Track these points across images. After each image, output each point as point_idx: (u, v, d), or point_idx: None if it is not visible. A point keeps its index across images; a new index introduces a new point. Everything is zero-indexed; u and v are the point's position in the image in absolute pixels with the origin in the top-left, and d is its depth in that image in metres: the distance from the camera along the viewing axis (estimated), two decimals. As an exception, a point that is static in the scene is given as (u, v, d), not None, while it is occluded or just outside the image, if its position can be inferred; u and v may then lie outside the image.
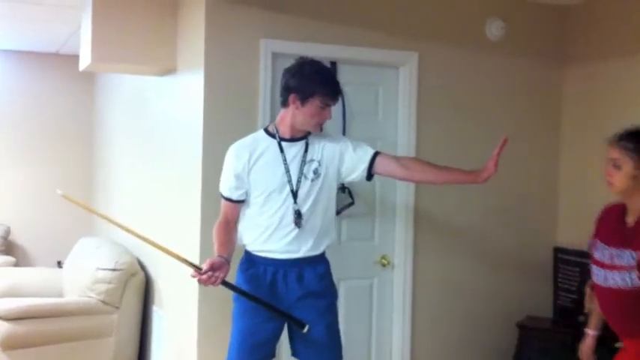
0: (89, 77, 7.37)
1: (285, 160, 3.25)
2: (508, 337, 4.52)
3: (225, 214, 3.31)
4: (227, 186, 3.30)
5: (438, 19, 4.43)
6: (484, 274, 4.58)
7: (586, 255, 4.44)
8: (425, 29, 4.40)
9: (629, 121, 4.29)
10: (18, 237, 7.60)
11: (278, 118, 3.33)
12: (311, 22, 4.10)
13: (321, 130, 3.35)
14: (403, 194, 4.33)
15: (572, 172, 4.71)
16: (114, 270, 4.98)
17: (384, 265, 4.36)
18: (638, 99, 4.29)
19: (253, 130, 3.90)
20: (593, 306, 3.34)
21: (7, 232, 7.41)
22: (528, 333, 4.45)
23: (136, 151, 5.70)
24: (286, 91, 3.25)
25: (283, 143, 3.27)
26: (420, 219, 4.38)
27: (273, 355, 3.38)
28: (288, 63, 3.36)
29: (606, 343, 3.66)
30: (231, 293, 3.29)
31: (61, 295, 5.54)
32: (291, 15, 4.06)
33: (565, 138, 4.76)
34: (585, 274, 4.44)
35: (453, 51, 4.47)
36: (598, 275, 3.07)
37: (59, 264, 6.79)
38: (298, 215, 3.22)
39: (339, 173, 3.34)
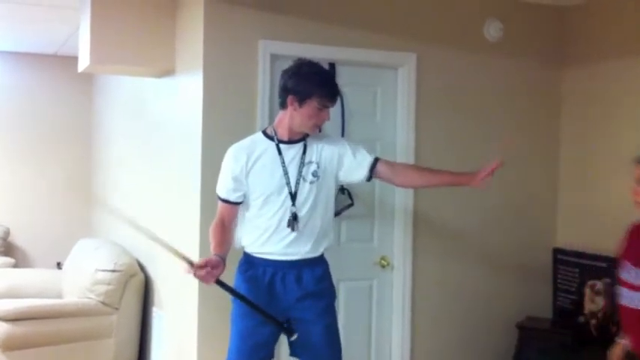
0: (88, 78, 7.37)
1: (283, 162, 3.24)
2: (508, 338, 4.52)
3: (221, 215, 3.30)
4: (225, 188, 3.29)
5: (436, 21, 4.43)
6: (483, 275, 4.58)
7: (585, 256, 4.47)
8: (423, 30, 4.40)
9: (629, 121, 4.33)
10: (17, 238, 7.59)
11: (276, 120, 3.33)
12: (309, 24, 4.10)
13: (320, 131, 3.35)
14: (402, 196, 4.33)
15: (571, 172, 4.71)
16: (113, 271, 4.97)
17: (383, 267, 4.36)
18: (638, 99, 4.29)
19: (252, 131, 3.90)
20: None
21: (7, 233, 7.40)
22: (528, 334, 4.46)
23: (134, 152, 5.70)
24: (284, 93, 3.25)
25: (281, 145, 3.26)
26: (420, 220, 4.38)
27: (272, 356, 3.38)
28: (287, 64, 3.36)
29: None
30: (230, 294, 3.30)
31: (60, 296, 5.54)
32: (290, 16, 4.06)
33: (564, 138, 4.76)
34: (584, 274, 4.44)
35: (452, 52, 4.47)
36: (625, 296, 2.99)
37: (58, 265, 6.79)
38: (294, 218, 3.22)
39: (337, 176, 3.35)
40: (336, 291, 3.53)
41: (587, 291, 4.43)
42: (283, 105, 3.27)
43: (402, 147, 4.33)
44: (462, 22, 4.50)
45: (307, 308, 3.29)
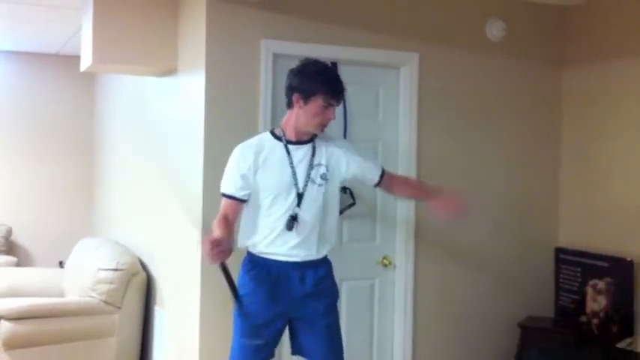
0: (90, 78, 7.38)
1: (291, 162, 3.24)
2: (509, 338, 4.52)
3: (224, 213, 3.25)
4: (231, 184, 3.26)
5: (438, 20, 4.43)
6: (485, 275, 4.58)
7: (587, 255, 4.47)
8: (425, 30, 4.40)
9: (631, 121, 4.33)
10: (19, 237, 7.60)
11: (283, 120, 3.33)
12: (312, 23, 4.10)
13: (323, 130, 3.33)
14: (404, 195, 4.33)
15: (573, 172, 4.71)
16: (115, 270, 4.98)
17: (385, 266, 4.37)
18: (638, 99, 4.29)
19: (254, 130, 3.91)
20: None
21: (9, 232, 7.42)
22: (529, 333, 4.46)
23: (136, 151, 5.70)
24: (290, 91, 3.27)
25: (290, 146, 3.26)
26: (422, 220, 4.38)
27: (273, 356, 3.38)
28: (289, 63, 3.36)
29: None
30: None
31: (62, 295, 5.55)
32: (292, 16, 4.06)
33: (566, 138, 4.76)
34: (586, 274, 4.45)
35: (454, 52, 4.47)
36: None
37: (61, 264, 6.80)
38: (294, 218, 3.21)
39: (342, 180, 3.37)
40: (339, 290, 3.54)
41: (589, 290, 4.43)
42: (289, 104, 3.27)
43: (404, 147, 4.33)
44: (464, 21, 4.50)
45: (310, 308, 3.30)
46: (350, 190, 4.03)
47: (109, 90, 6.88)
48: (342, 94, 3.29)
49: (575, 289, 4.52)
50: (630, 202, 4.32)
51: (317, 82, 3.20)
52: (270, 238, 3.24)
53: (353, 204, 4.08)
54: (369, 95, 4.31)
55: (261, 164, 3.23)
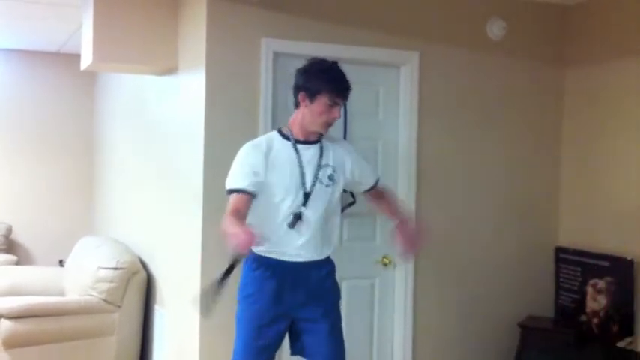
0: (90, 77, 7.38)
1: (300, 162, 3.24)
2: (509, 337, 4.52)
3: (235, 208, 3.13)
4: (243, 179, 3.18)
5: (439, 19, 4.43)
6: (485, 274, 4.58)
7: (587, 254, 4.47)
8: (426, 29, 4.39)
9: (632, 120, 4.32)
10: (20, 236, 7.61)
11: (291, 120, 3.33)
12: (312, 22, 4.10)
13: (329, 129, 3.32)
14: (404, 193, 4.32)
15: (573, 171, 4.70)
16: (115, 269, 4.98)
17: (385, 265, 4.36)
18: (639, 99, 4.29)
19: (254, 129, 3.92)
20: None
21: (9, 230, 7.42)
22: (529, 332, 4.46)
23: (136, 150, 5.71)
24: (296, 90, 3.28)
25: (298, 145, 3.27)
26: (422, 218, 4.38)
27: (273, 358, 3.38)
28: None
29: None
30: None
31: (62, 294, 5.55)
32: (293, 14, 4.06)
33: (566, 137, 4.75)
34: (586, 273, 4.45)
35: (455, 51, 4.46)
36: None
37: (61, 263, 6.80)
38: (298, 217, 3.21)
39: (345, 181, 3.39)
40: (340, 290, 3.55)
41: (589, 290, 4.43)
42: (296, 104, 3.28)
43: (405, 146, 4.33)
44: (464, 20, 4.49)
45: (314, 307, 3.30)
46: (351, 189, 4.04)
47: (109, 89, 6.88)
48: (348, 93, 3.29)
49: (575, 288, 4.51)
50: (630, 202, 4.32)
51: (322, 81, 3.21)
52: (277, 236, 3.22)
53: (353, 202, 4.08)
54: (369, 94, 4.31)
55: (270, 163, 3.22)
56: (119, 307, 4.99)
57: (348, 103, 4.10)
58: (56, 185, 7.66)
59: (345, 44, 4.13)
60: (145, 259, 5.22)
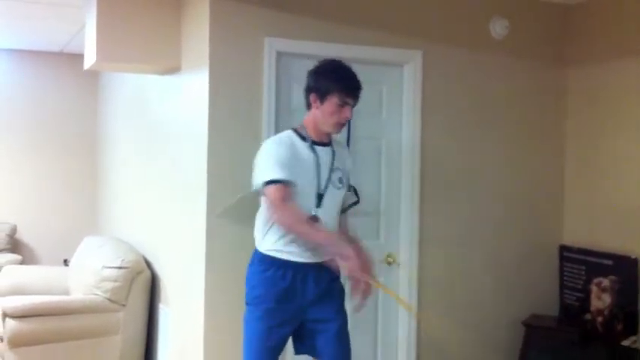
0: (93, 76, 7.39)
1: (317, 162, 3.24)
2: (513, 336, 4.52)
3: (282, 198, 3.08)
4: (281, 170, 3.13)
5: (442, 18, 4.43)
6: (489, 273, 4.58)
7: (591, 253, 4.46)
8: (429, 28, 4.39)
9: (634, 120, 4.32)
10: (24, 235, 7.63)
11: (304, 121, 3.33)
12: (315, 21, 4.09)
13: (340, 129, 3.33)
14: (408, 192, 4.33)
15: (577, 170, 4.70)
16: (120, 268, 4.98)
17: (389, 264, 4.36)
18: (642, 97, 4.29)
19: (257, 128, 3.92)
20: None
21: (14, 230, 7.44)
22: (534, 331, 4.46)
23: (140, 149, 5.71)
24: (307, 92, 3.29)
25: (315, 146, 3.27)
26: (425, 217, 4.38)
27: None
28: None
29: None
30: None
31: (67, 293, 5.56)
32: (296, 14, 4.06)
33: (570, 136, 4.75)
34: (590, 272, 4.44)
35: (458, 50, 4.46)
36: None
37: (65, 262, 6.82)
38: (315, 219, 3.21)
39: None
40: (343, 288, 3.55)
41: (594, 288, 4.42)
42: (308, 105, 3.29)
43: (408, 145, 4.33)
44: (467, 19, 4.49)
45: (324, 307, 3.31)
46: (354, 187, 4.03)
47: (112, 88, 6.88)
48: (358, 92, 3.29)
49: (580, 287, 4.51)
50: (634, 200, 4.32)
51: (332, 81, 3.22)
52: (290, 237, 3.20)
53: (357, 202, 4.07)
54: (372, 93, 4.29)
55: (295, 160, 3.20)
56: (124, 306, 4.99)
57: (352, 103, 4.11)
58: (60, 185, 7.68)
59: (348, 43, 4.13)
60: (150, 258, 5.23)
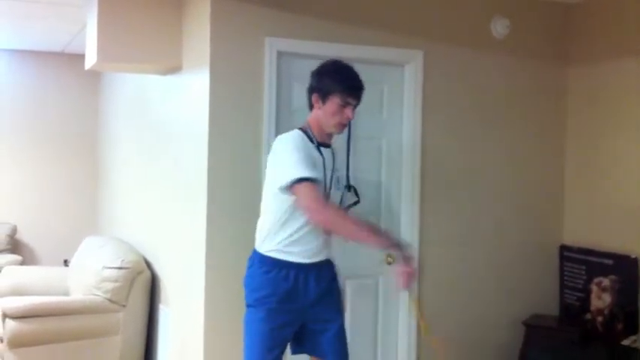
0: (95, 76, 7.39)
1: (324, 164, 3.24)
2: (514, 335, 4.52)
3: (318, 197, 3.06)
4: (311, 169, 3.09)
5: (443, 18, 4.43)
6: (490, 272, 4.58)
7: (591, 253, 4.47)
8: (430, 27, 4.39)
9: (635, 119, 4.32)
10: (24, 236, 7.63)
11: (310, 121, 3.31)
12: (316, 21, 4.10)
13: (343, 129, 3.32)
14: (409, 192, 4.33)
15: (577, 170, 4.70)
16: (120, 268, 4.98)
17: (389, 264, 4.35)
18: (643, 97, 4.29)
19: (258, 128, 3.93)
20: None
21: (14, 230, 7.44)
22: (534, 331, 4.46)
23: (141, 149, 5.71)
24: (309, 92, 3.30)
25: (321, 148, 3.27)
26: (426, 217, 4.38)
27: None
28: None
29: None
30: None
31: (67, 294, 5.56)
32: (296, 13, 4.06)
33: (570, 136, 4.75)
34: (591, 272, 4.44)
35: (459, 49, 4.46)
36: None
37: (65, 262, 6.82)
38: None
39: None
40: (343, 288, 3.56)
41: (594, 288, 4.43)
42: (310, 106, 3.30)
43: (409, 144, 4.33)
44: (468, 19, 4.49)
45: (325, 307, 3.33)
46: (354, 187, 4.03)
47: (113, 88, 6.89)
48: (360, 93, 3.28)
49: (580, 286, 4.51)
50: (635, 200, 4.32)
51: (333, 81, 3.22)
52: (295, 237, 3.20)
53: (357, 202, 4.07)
54: (373, 93, 4.28)
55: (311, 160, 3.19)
56: (124, 306, 4.99)
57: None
58: (61, 185, 7.68)
59: (349, 43, 4.14)
60: (150, 258, 5.23)
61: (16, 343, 4.75)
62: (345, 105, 3.21)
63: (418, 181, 4.34)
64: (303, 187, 3.05)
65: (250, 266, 3.31)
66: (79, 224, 7.48)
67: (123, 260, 5.03)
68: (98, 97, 7.60)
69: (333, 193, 3.29)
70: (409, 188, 4.33)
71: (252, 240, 3.37)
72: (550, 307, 4.68)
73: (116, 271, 4.98)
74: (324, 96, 3.22)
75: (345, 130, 4.08)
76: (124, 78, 6.28)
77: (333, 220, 3.11)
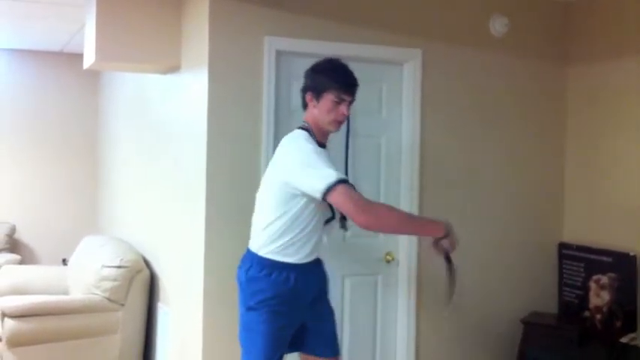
0: (94, 75, 7.40)
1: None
2: (512, 333, 4.53)
3: (359, 195, 3.05)
4: (332, 167, 3.07)
5: (441, 16, 4.43)
6: (489, 270, 4.58)
7: (590, 251, 4.47)
8: (429, 26, 4.40)
9: (634, 119, 4.32)
10: (23, 235, 7.63)
11: (309, 122, 3.29)
12: (315, 20, 4.10)
13: (339, 127, 3.31)
14: (407, 190, 4.33)
15: (577, 168, 4.70)
16: (119, 267, 4.99)
17: (388, 262, 4.37)
18: (642, 95, 4.30)
19: (257, 127, 3.93)
20: None
21: (13, 230, 7.44)
22: (533, 329, 4.46)
23: (140, 149, 5.71)
24: (303, 92, 3.30)
25: (321, 148, 3.24)
26: (425, 215, 4.38)
27: None
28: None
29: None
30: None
31: (66, 293, 5.56)
32: (295, 12, 4.06)
33: (570, 134, 4.75)
34: (590, 269, 4.45)
35: (457, 48, 4.46)
36: None
37: (64, 262, 6.82)
38: (344, 218, 3.27)
39: None
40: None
41: (593, 286, 4.43)
42: (304, 105, 3.29)
43: (407, 143, 4.33)
44: (467, 17, 4.50)
45: (321, 306, 3.37)
46: (353, 186, 4.02)
47: (113, 87, 6.89)
48: (354, 89, 3.28)
49: (579, 284, 4.52)
50: (634, 200, 4.32)
51: (327, 78, 3.22)
52: (295, 240, 3.18)
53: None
54: (372, 92, 4.30)
55: None
56: (123, 305, 4.99)
57: (351, 101, 4.11)
58: (60, 184, 7.68)
59: (348, 42, 4.14)
60: (149, 257, 5.23)
61: (15, 342, 4.75)
62: (339, 101, 3.21)
63: (417, 180, 4.34)
64: (340, 192, 3.00)
65: (248, 269, 3.26)
66: (78, 224, 7.48)
67: (122, 259, 5.04)
68: (98, 97, 7.60)
69: None
70: (408, 187, 4.33)
71: (251, 240, 3.38)
72: (549, 304, 4.68)
73: (115, 270, 4.98)
74: (318, 94, 3.21)
75: (344, 129, 4.10)
76: (123, 77, 6.28)
77: (385, 217, 3.05)
